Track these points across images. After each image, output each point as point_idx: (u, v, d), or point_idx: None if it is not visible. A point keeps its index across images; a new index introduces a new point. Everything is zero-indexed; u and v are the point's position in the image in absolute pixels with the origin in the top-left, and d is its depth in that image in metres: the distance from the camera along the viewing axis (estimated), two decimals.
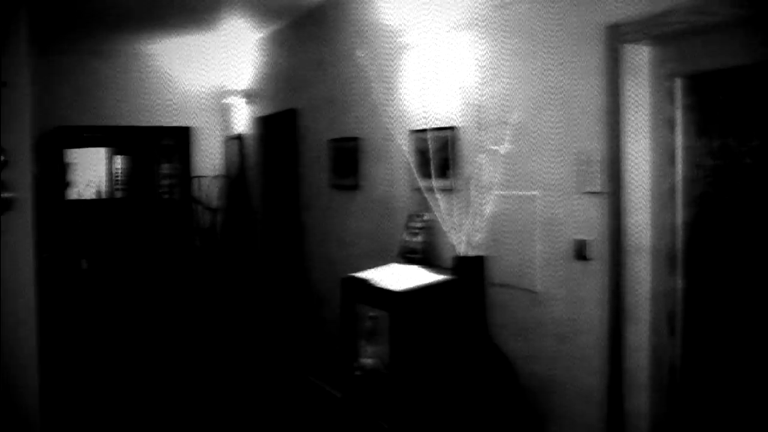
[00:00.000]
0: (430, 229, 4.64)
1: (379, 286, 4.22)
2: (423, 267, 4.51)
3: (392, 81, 5.12)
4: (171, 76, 9.24)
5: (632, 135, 3.29)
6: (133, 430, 5.85)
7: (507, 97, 3.91)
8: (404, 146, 4.86)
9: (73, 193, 10.02)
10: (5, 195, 4.00)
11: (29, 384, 4.05)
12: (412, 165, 4.66)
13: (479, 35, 4.21)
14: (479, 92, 4.12)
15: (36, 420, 4.08)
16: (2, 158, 3.99)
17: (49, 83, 8.39)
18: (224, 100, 9.11)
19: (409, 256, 4.71)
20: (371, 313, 4.54)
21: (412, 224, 4.77)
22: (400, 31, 5.04)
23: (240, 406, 6.43)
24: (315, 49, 6.55)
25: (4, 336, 3.98)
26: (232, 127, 9.04)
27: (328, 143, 6.22)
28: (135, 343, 8.60)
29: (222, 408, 6.37)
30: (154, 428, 5.86)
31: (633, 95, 3.28)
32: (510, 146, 3.79)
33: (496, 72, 4.05)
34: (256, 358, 7.94)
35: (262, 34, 7.84)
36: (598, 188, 3.42)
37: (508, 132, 3.80)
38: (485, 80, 4.12)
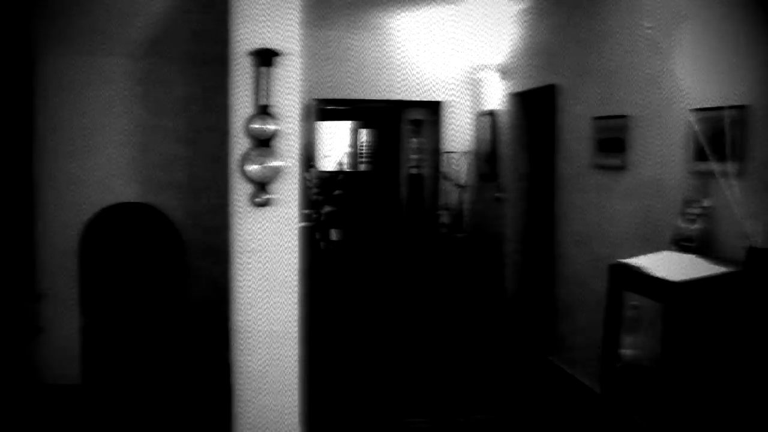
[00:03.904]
0: (710, 217, 4.26)
1: (652, 274, 3.94)
2: (700, 257, 4.16)
3: (668, 55, 4.76)
4: (422, 49, 9.24)
5: None
6: (380, 398, 5.95)
7: None
8: (682, 125, 4.50)
9: (322, 165, 10.38)
10: (276, 163, 4.11)
11: (291, 332, 4.30)
12: (701, 145, 4.27)
13: None
14: None
15: (295, 378, 4.26)
16: (274, 127, 4.10)
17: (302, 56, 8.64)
18: (476, 75, 9.00)
19: (683, 244, 4.37)
20: (633, 302, 4.28)
21: (689, 210, 4.41)
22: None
23: (480, 379, 6.44)
24: (579, 22, 6.26)
25: (273, 293, 4.19)
26: (484, 103, 8.91)
27: (592, 121, 5.93)
28: (379, 315, 8.77)
29: (461, 379, 6.40)
30: (401, 400, 5.93)
31: None
32: None
33: None
34: (498, 333, 7.89)
35: (520, 6, 7.63)
36: None
37: None
38: None
